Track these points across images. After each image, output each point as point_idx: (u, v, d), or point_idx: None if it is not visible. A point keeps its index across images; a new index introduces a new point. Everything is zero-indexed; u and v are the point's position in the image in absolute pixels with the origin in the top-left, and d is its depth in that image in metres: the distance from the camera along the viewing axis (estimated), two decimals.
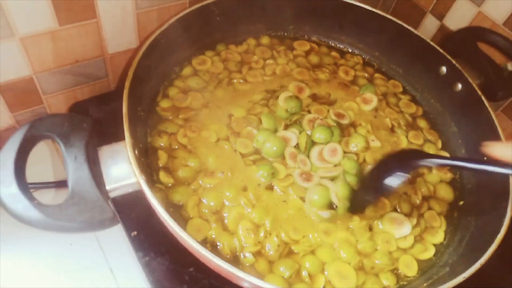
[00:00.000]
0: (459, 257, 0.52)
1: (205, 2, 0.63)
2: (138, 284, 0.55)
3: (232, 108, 0.61)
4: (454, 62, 0.66)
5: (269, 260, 0.48)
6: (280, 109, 0.62)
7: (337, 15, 0.73)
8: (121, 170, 0.43)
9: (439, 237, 0.55)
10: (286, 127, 0.60)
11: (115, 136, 0.47)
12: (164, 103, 0.59)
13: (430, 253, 0.54)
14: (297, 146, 0.59)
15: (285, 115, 0.62)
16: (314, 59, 0.73)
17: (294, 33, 0.75)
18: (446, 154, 0.65)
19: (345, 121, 0.63)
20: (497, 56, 0.72)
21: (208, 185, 0.52)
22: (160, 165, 0.53)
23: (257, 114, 0.61)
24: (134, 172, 0.43)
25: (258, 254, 0.49)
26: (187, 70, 0.65)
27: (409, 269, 0.52)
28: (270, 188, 0.54)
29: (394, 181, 0.45)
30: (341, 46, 0.77)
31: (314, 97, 0.66)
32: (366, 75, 0.72)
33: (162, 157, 0.53)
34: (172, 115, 0.58)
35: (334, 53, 0.75)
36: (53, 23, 0.56)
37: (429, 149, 0.64)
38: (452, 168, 0.63)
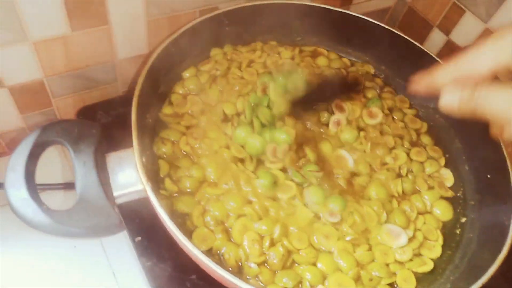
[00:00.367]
0: (460, 274, 0.53)
1: (215, 12, 0.64)
2: None
3: (224, 106, 0.61)
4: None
5: (272, 270, 0.49)
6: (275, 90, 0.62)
7: (345, 28, 0.73)
8: (128, 177, 0.44)
9: (436, 251, 0.55)
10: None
11: (123, 141, 0.48)
12: (166, 110, 0.60)
13: (428, 267, 0.54)
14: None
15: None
16: (322, 61, 0.73)
17: (302, 44, 0.76)
18: (448, 172, 0.65)
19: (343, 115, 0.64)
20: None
21: (213, 196, 0.52)
22: (162, 176, 0.53)
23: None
24: (141, 179, 0.43)
25: (262, 264, 0.49)
26: (190, 72, 0.65)
27: (407, 284, 0.52)
28: (275, 198, 0.54)
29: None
30: (348, 59, 0.77)
31: None
32: (375, 86, 0.72)
33: (164, 168, 0.54)
34: (174, 122, 0.59)
35: (344, 59, 0.75)
36: (65, 29, 0.57)
37: (431, 166, 0.64)
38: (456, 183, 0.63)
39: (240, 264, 0.48)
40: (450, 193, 0.62)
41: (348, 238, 0.53)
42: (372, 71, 0.75)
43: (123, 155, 0.45)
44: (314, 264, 0.50)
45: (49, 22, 0.55)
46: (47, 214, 0.37)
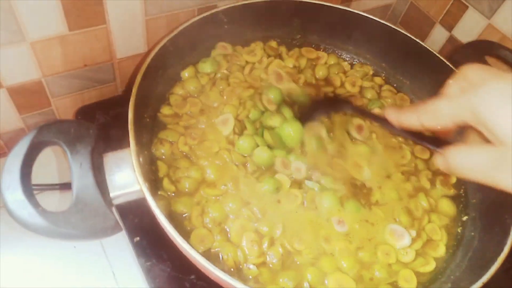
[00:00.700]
0: (462, 273, 0.52)
1: (213, 10, 0.64)
2: None
3: (224, 108, 0.61)
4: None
5: (272, 270, 0.48)
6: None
7: (345, 25, 0.73)
8: (125, 177, 0.44)
9: (440, 250, 0.55)
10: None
11: (121, 141, 0.47)
12: (165, 110, 0.59)
13: (430, 266, 0.53)
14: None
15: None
16: (321, 71, 0.72)
17: (302, 41, 0.75)
18: None
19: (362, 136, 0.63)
20: (505, 70, 0.72)
21: (212, 197, 0.52)
22: (160, 176, 0.53)
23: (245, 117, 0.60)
24: (138, 180, 0.43)
25: (261, 265, 0.49)
26: (189, 72, 0.64)
27: (409, 284, 0.51)
28: (277, 201, 0.54)
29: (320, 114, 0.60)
30: (348, 56, 0.77)
31: None
32: (374, 86, 0.72)
33: (162, 168, 0.53)
34: (173, 122, 0.58)
35: (344, 64, 0.74)
36: (63, 28, 0.56)
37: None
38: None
39: (239, 265, 0.48)
40: (452, 191, 0.61)
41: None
42: (371, 72, 0.74)
43: (121, 156, 0.45)
44: (315, 265, 0.50)
45: (46, 22, 0.54)
46: (43, 216, 0.37)
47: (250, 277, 0.47)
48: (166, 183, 0.52)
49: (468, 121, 0.34)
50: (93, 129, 0.45)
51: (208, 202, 0.51)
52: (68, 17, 0.55)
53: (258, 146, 0.56)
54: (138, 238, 0.53)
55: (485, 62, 0.70)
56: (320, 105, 0.62)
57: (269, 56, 0.70)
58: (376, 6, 0.94)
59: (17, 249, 0.57)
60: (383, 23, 0.70)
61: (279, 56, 0.71)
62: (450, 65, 0.67)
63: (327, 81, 0.71)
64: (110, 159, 0.45)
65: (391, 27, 0.70)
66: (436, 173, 0.63)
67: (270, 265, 0.49)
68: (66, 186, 0.57)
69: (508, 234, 0.49)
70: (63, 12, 0.55)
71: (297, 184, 0.56)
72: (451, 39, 0.87)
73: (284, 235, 0.51)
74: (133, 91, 0.50)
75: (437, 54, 0.68)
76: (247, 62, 0.68)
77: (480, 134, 0.34)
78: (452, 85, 0.38)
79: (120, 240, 0.59)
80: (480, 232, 0.56)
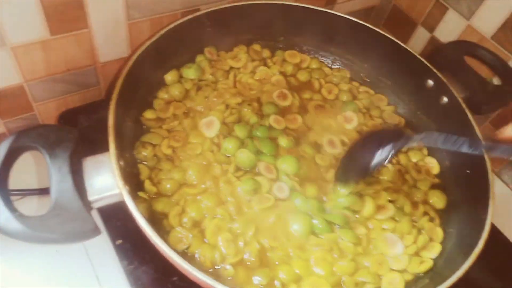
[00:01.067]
0: (439, 268, 0.53)
1: (196, 14, 0.64)
2: None
3: (210, 113, 0.61)
4: (440, 75, 0.67)
5: (248, 268, 0.49)
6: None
7: (327, 27, 0.74)
8: (105, 181, 0.44)
9: (436, 250, 0.55)
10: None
11: (104, 145, 0.48)
12: (148, 114, 0.60)
13: (428, 264, 0.53)
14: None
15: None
16: (303, 76, 0.73)
17: (285, 43, 0.76)
18: (434, 160, 0.66)
19: (336, 150, 0.63)
20: (483, 70, 0.73)
21: (189, 197, 0.52)
22: (142, 179, 0.53)
23: (231, 121, 0.61)
24: (117, 183, 0.43)
25: (238, 264, 0.49)
26: (172, 76, 0.65)
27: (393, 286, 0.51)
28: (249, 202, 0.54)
29: (380, 158, 0.45)
30: (331, 58, 0.78)
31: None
32: (351, 88, 0.73)
33: (144, 171, 0.54)
34: (156, 126, 0.59)
35: (325, 69, 0.75)
36: (44, 33, 0.56)
37: (415, 155, 0.66)
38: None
39: (215, 265, 0.48)
40: (436, 180, 0.63)
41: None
42: (349, 75, 0.76)
43: (100, 159, 0.45)
44: (288, 263, 0.50)
45: (27, 27, 0.54)
46: (19, 220, 0.37)
47: (229, 278, 0.48)
48: (147, 184, 0.52)
49: None
50: (73, 133, 0.46)
51: (187, 202, 0.52)
52: (49, 21, 0.56)
53: (242, 147, 0.57)
54: (120, 241, 0.54)
55: (464, 63, 0.71)
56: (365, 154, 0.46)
57: (253, 60, 0.71)
58: (360, 8, 0.95)
59: None
60: (364, 24, 0.72)
61: (264, 62, 0.72)
62: (430, 66, 0.68)
63: (308, 84, 0.73)
64: (90, 163, 0.45)
65: (372, 29, 0.72)
66: (418, 165, 0.65)
67: (248, 263, 0.49)
68: (45, 191, 0.57)
69: (483, 229, 0.51)
70: (44, 17, 0.55)
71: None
72: (433, 40, 0.88)
73: (259, 234, 0.51)
74: (113, 95, 0.50)
75: (417, 55, 0.69)
76: (231, 68, 0.69)
77: None
78: None
79: (103, 243, 0.59)
80: (457, 228, 0.57)
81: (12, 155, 0.41)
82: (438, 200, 0.61)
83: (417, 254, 0.55)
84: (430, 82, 0.69)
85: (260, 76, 0.69)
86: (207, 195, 0.53)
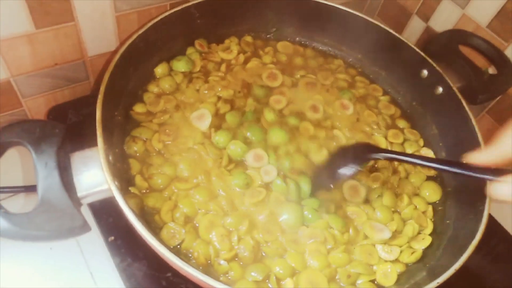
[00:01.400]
0: (436, 260, 0.53)
1: (185, 5, 0.63)
2: None
3: (202, 106, 0.60)
4: (435, 65, 0.66)
5: (243, 264, 0.48)
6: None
7: (320, 18, 0.73)
8: (94, 176, 0.43)
9: (425, 242, 0.55)
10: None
11: (93, 140, 0.47)
12: (138, 108, 0.59)
13: (417, 254, 0.53)
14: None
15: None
16: (299, 61, 0.72)
17: (277, 35, 0.75)
18: (430, 151, 0.65)
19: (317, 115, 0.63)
20: (479, 59, 0.73)
21: (182, 192, 0.51)
22: (133, 174, 0.52)
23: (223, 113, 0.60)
24: (106, 178, 0.42)
25: (232, 259, 0.48)
26: (162, 69, 0.64)
27: (387, 279, 0.51)
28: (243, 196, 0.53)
29: (347, 171, 0.50)
30: (324, 48, 0.76)
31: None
32: (347, 78, 0.72)
33: (135, 166, 0.53)
34: (147, 120, 0.58)
35: (319, 59, 0.74)
36: (29, 26, 0.55)
37: (411, 146, 0.65)
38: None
39: (209, 261, 0.48)
40: (432, 172, 0.62)
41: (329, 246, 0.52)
42: (343, 63, 0.75)
43: (88, 155, 0.44)
44: (283, 257, 0.49)
45: (10, 20, 0.53)
46: (5, 218, 0.36)
47: (221, 275, 0.47)
48: (138, 180, 0.51)
49: None
50: (60, 128, 0.44)
51: (179, 197, 0.51)
52: (33, 14, 0.54)
53: (233, 139, 0.56)
54: (112, 238, 0.53)
55: (459, 52, 0.70)
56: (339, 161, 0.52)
57: (245, 52, 0.70)
58: None
59: None
60: (358, 15, 0.71)
61: (256, 54, 0.71)
62: (425, 56, 0.67)
63: (303, 66, 0.72)
64: (77, 158, 0.44)
65: (366, 19, 0.70)
66: None
67: (242, 259, 0.48)
68: (32, 189, 0.56)
69: (480, 221, 0.50)
70: (28, 10, 0.53)
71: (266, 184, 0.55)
72: (428, 30, 0.87)
73: (252, 228, 0.50)
74: (100, 89, 0.49)
75: (412, 45, 0.68)
76: (222, 60, 0.68)
77: None
78: None
79: (96, 240, 0.58)
80: (455, 220, 0.57)
81: None
82: (432, 192, 0.60)
83: (408, 245, 0.54)
84: (425, 72, 0.68)
85: (252, 66, 0.68)
86: (199, 190, 0.52)
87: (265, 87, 0.65)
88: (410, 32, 0.92)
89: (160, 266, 0.51)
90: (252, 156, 0.56)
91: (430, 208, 0.59)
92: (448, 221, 0.57)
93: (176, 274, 0.51)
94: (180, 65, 0.64)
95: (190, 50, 0.67)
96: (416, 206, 0.58)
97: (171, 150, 0.55)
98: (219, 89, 0.63)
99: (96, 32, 0.62)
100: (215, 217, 0.50)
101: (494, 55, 0.70)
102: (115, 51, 0.66)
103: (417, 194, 0.60)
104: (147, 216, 0.50)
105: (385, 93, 0.73)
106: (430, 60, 0.66)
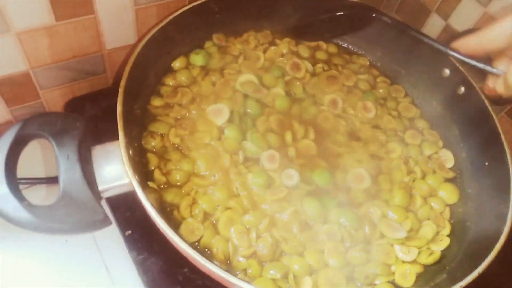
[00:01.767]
0: (457, 263, 0.52)
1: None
2: (133, 283, 0.55)
3: (218, 100, 0.60)
4: (457, 64, 0.64)
5: (261, 261, 0.48)
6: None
7: (340, 13, 0.71)
8: (114, 170, 0.43)
9: (444, 243, 0.54)
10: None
11: (111, 133, 0.46)
12: (155, 101, 0.58)
13: (436, 255, 0.52)
14: None
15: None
16: (321, 55, 0.71)
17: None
18: (449, 153, 0.64)
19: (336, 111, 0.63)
20: None
21: (200, 189, 0.51)
22: (151, 169, 0.52)
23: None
24: (127, 172, 0.42)
25: (251, 256, 0.48)
26: (180, 63, 0.63)
27: (405, 280, 0.50)
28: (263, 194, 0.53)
29: None
30: (345, 45, 0.75)
31: None
32: (369, 79, 0.71)
33: (153, 161, 0.52)
34: (164, 114, 0.57)
35: (345, 56, 0.73)
36: (49, 19, 0.55)
37: (430, 147, 0.64)
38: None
39: (228, 258, 0.47)
40: (451, 174, 0.61)
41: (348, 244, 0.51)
42: (367, 63, 0.73)
43: (109, 148, 0.44)
44: (302, 255, 0.49)
45: (32, 12, 0.53)
46: (28, 210, 0.36)
47: (239, 271, 0.47)
48: (157, 174, 0.51)
49: None
50: (81, 121, 0.44)
51: (198, 193, 0.51)
52: (54, 6, 0.54)
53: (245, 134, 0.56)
54: (129, 232, 0.53)
55: None
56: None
57: (263, 44, 0.69)
58: None
59: (3, 246, 0.56)
60: (378, 11, 0.69)
61: (273, 44, 0.70)
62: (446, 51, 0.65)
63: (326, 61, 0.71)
64: (99, 152, 0.44)
65: (386, 15, 0.69)
66: (431, 158, 0.63)
67: (260, 257, 0.48)
68: (53, 180, 0.56)
69: (504, 223, 0.49)
70: (49, 2, 0.53)
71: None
72: (447, 28, 0.86)
73: (272, 226, 0.50)
74: (121, 83, 0.49)
75: (432, 43, 0.67)
76: (240, 53, 0.67)
77: None
78: None
79: (112, 233, 0.58)
80: (476, 222, 0.56)
81: (19, 143, 0.40)
82: (449, 193, 0.59)
83: (427, 246, 0.53)
84: (447, 72, 0.66)
85: (270, 55, 0.68)
86: (218, 187, 0.51)
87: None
88: (428, 30, 0.90)
89: (177, 261, 0.51)
90: (267, 157, 0.55)
91: (447, 209, 0.58)
92: (468, 223, 0.56)
93: (193, 269, 0.51)
94: (198, 58, 0.64)
95: (208, 44, 0.67)
96: (432, 206, 0.57)
97: (189, 145, 0.55)
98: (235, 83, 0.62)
99: (114, 25, 0.62)
100: (234, 213, 0.49)
101: None
102: (135, 45, 0.66)
103: (434, 195, 0.59)
104: (165, 211, 0.50)
105: (406, 94, 0.71)
106: (452, 59, 0.65)
